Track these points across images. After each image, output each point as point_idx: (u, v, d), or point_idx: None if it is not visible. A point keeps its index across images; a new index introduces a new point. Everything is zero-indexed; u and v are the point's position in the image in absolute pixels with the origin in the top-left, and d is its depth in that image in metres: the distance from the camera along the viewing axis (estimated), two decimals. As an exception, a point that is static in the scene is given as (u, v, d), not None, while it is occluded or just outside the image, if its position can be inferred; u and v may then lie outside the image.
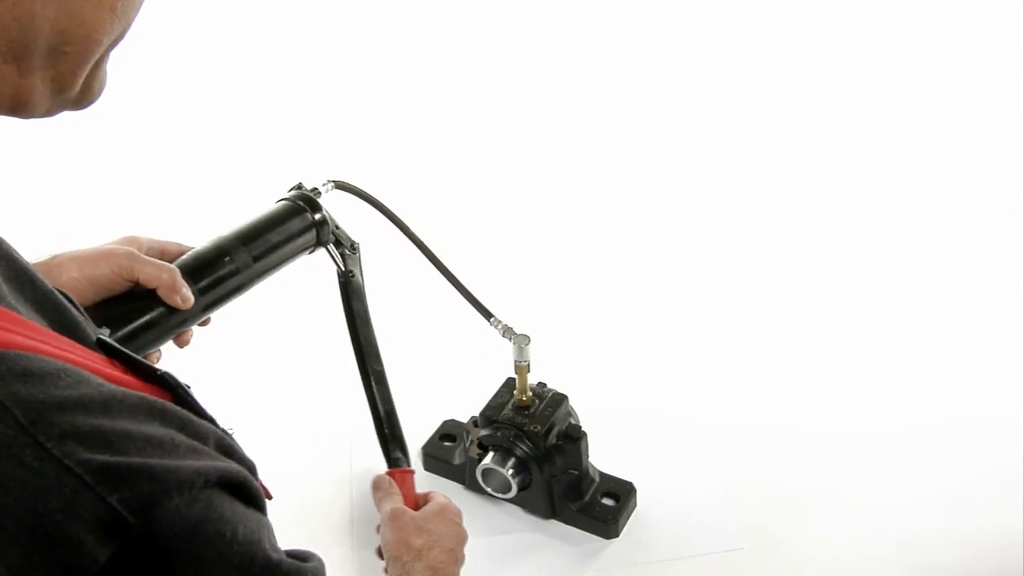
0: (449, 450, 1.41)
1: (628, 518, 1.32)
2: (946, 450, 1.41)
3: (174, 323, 1.00)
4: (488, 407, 1.32)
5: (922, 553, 1.26)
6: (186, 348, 1.04)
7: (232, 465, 0.57)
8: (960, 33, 2.36)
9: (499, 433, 1.29)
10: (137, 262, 0.97)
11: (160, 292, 0.97)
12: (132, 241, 1.03)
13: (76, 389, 0.53)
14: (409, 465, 1.24)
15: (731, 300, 1.72)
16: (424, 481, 1.40)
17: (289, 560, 0.58)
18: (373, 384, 1.24)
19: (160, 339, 1.00)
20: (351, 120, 2.23)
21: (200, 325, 1.06)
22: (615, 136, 2.16)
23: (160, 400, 0.57)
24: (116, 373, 0.60)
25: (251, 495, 0.58)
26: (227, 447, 0.59)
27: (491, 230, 1.90)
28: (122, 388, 0.56)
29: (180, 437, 0.55)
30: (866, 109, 2.20)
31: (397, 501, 1.17)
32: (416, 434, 1.43)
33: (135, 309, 0.97)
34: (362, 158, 2.02)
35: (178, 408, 0.58)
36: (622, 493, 1.33)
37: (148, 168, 2.13)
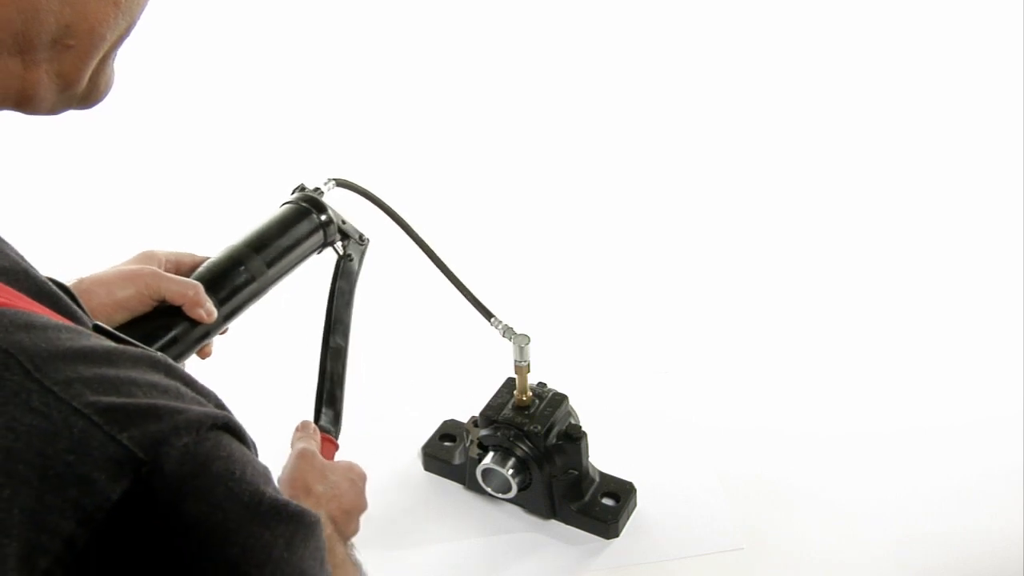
0: (449, 450, 1.41)
1: (628, 518, 1.32)
2: (946, 450, 1.40)
3: (197, 336, 1.02)
4: (488, 407, 1.32)
5: (922, 553, 1.26)
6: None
7: (234, 416, 0.57)
8: (960, 33, 2.36)
9: (499, 433, 1.29)
10: (163, 281, 0.99)
11: (186, 308, 0.99)
12: (150, 257, 1.05)
13: (78, 341, 0.54)
14: (336, 438, 1.20)
15: (731, 300, 1.72)
16: (423, 481, 1.41)
17: (296, 504, 0.58)
18: (328, 355, 1.21)
19: (185, 353, 1.02)
20: (352, 119, 2.23)
21: (220, 334, 1.07)
22: (614, 136, 2.16)
23: (164, 356, 0.58)
24: None
25: (250, 445, 0.59)
26: (225, 409, 0.60)
27: (492, 230, 1.90)
28: (124, 346, 0.57)
29: (184, 389, 0.56)
30: (866, 109, 2.20)
31: (313, 445, 1.12)
32: (416, 434, 1.44)
33: (160, 326, 0.99)
34: (364, 157, 2.02)
35: (182, 369, 0.59)
36: (622, 493, 1.33)
37: (148, 168, 2.13)
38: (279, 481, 1.04)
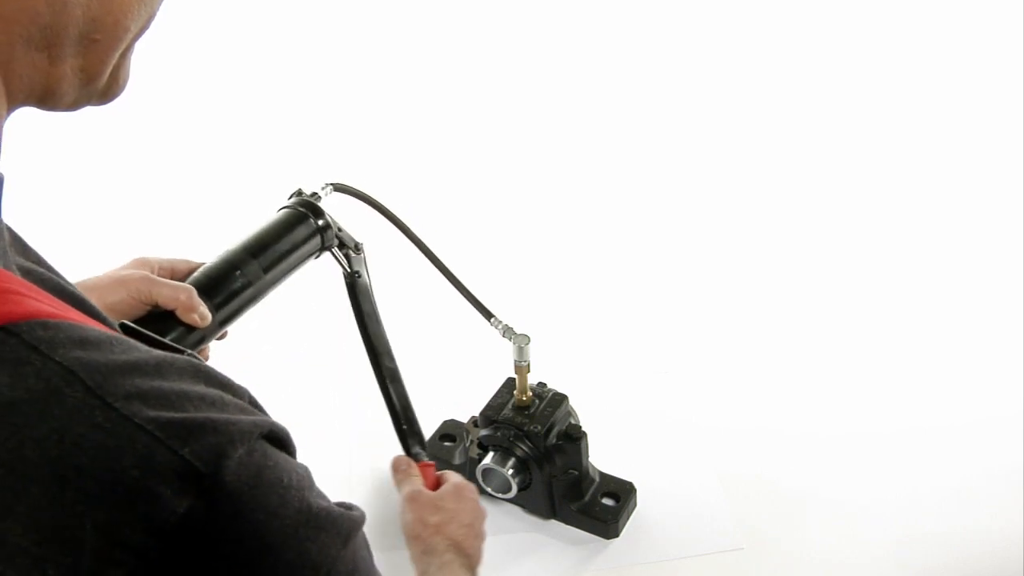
0: (449, 450, 1.40)
1: (628, 518, 1.32)
2: (946, 450, 1.40)
3: (192, 341, 1.01)
4: (488, 407, 1.32)
5: (922, 553, 1.26)
6: None
7: (274, 419, 0.59)
8: (960, 33, 2.36)
9: (499, 433, 1.29)
10: (154, 285, 0.99)
11: (179, 313, 0.99)
12: (143, 263, 1.05)
13: (129, 354, 0.55)
14: (428, 460, 1.24)
15: (731, 300, 1.72)
16: None
17: (337, 507, 0.61)
18: (388, 382, 1.25)
19: None
20: (350, 122, 2.23)
21: (218, 339, 1.07)
22: (614, 136, 2.16)
23: (202, 362, 0.59)
24: None
25: (292, 448, 0.61)
26: (259, 406, 0.61)
27: (491, 231, 1.90)
28: (166, 353, 0.58)
29: (227, 396, 0.58)
30: (866, 110, 2.20)
31: (416, 483, 1.18)
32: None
33: (155, 331, 0.99)
34: (361, 160, 2.03)
35: (216, 371, 0.60)
36: (622, 493, 1.33)
37: (145, 172, 2.13)
38: (403, 525, 1.13)
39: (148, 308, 0.99)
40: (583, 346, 1.62)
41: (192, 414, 0.54)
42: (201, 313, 1.00)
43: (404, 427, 1.26)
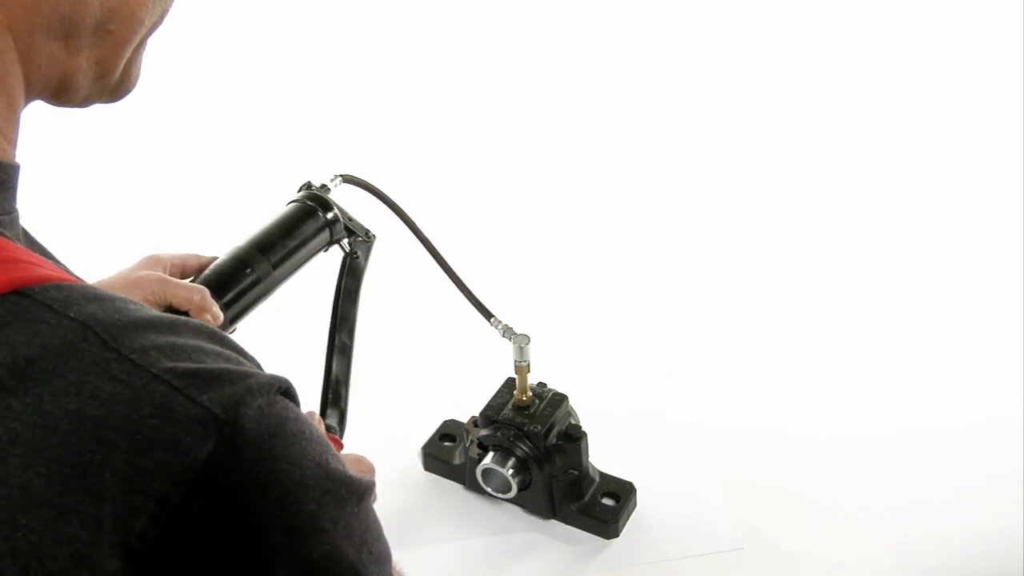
0: (449, 450, 1.40)
1: (628, 518, 1.32)
2: (946, 450, 1.40)
3: None
4: (488, 407, 1.32)
5: (922, 553, 1.26)
6: None
7: (280, 377, 0.59)
8: (961, 33, 2.36)
9: (499, 433, 1.29)
10: (168, 286, 1.01)
11: (192, 313, 1.00)
12: (155, 262, 1.06)
13: (143, 312, 0.56)
14: (341, 438, 1.21)
15: (730, 300, 1.71)
16: (423, 481, 1.41)
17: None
18: (335, 352, 1.22)
19: None
20: (358, 118, 2.23)
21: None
22: (614, 137, 2.16)
23: (216, 328, 0.60)
24: None
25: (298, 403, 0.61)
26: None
27: (492, 230, 1.89)
28: (180, 316, 0.59)
29: (242, 359, 0.58)
30: (866, 110, 2.20)
31: None
32: (416, 434, 1.44)
33: None
34: (369, 156, 2.02)
35: (232, 339, 0.60)
36: (622, 493, 1.33)
37: (152, 167, 2.12)
38: None
39: (162, 309, 1.00)
40: (583, 346, 1.62)
41: (208, 365, 0.54)
42: (214, 313, 1.02)
43: (329, 396, 1.22)
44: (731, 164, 2.07)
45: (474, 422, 1.37)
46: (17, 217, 0.62)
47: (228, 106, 2.29)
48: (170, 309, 0.99)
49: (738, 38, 2.43)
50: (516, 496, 1.31)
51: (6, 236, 0.58)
